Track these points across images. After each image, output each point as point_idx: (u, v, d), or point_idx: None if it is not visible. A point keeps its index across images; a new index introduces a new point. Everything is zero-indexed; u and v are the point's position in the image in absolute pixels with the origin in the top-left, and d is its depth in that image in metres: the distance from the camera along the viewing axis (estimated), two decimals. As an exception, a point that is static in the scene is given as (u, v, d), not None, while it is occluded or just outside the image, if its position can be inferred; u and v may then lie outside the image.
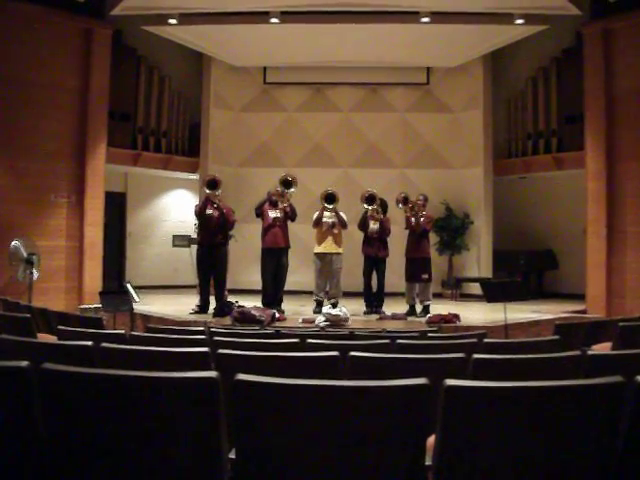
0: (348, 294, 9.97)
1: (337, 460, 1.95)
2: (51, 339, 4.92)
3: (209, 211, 8.93)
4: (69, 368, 2.08)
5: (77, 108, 10.92)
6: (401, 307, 9.42)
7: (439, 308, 9.26)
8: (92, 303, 9.96)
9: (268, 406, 1.96)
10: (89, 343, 3.28)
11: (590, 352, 3.19)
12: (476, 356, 2.95)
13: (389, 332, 5.51)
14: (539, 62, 12.84)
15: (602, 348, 4.82)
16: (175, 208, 14.44)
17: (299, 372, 2.51)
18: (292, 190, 9.08)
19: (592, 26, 10.73)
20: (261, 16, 10.79)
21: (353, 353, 2.98)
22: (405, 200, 9.49)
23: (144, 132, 12.79)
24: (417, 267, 9.28)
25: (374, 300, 9.50)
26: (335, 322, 7.67)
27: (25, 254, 9.70)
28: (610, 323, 5.63)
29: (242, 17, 10.96)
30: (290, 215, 9.16)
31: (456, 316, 8.32)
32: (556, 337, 4.19)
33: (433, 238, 11.61)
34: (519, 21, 10.71)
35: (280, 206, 9.09)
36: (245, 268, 12.45)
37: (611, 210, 10.52)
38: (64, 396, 2.08)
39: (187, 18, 11.07)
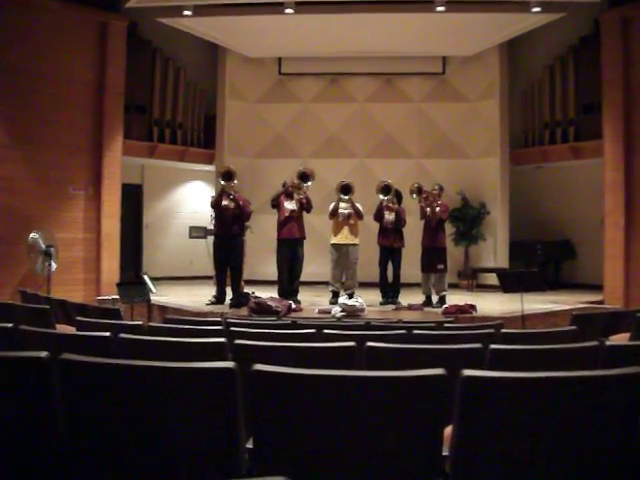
0: (364, 285, 9.96)
1: (354, 450, 1.95)
2: (70, 330, 4.97)
3: (225, 202, 8.94)
4: (88, 358, 2.10)
5: (93, 100, 10.97)
6: (417, 298, 9.40)
7: (455, 298, 9.23)
8: (110, 294, 10.02)
9: (285, 396, 1.97)
10: (107, 334, 3.30)
11: (608, 343, 3.17)
12: (493, 346, 2.94)
13: (405, 322, 5.51)
14: (556, 50, 12.71)
15: (620, 339, 4.79)
16: (191, 200, 14.48)
17: (316, 362, 2.52)
18: (309, 183, 9.07)
19: (610, 13, 10.60)
20: (276, 7, 10.76)
21: (369, 343, 2.98)
22: (419, 190, 9.45)
23: (160, 124, 12.83)
24: (432, 257, 9.25)
25: (390, 291, 9.50)
26: (351, 313, 7.67)
27: (43, 246, 9.79)
28: (628, 314, 5.59)
29: (257, 8, 10.94)
30: (306, 206, 9.14)
31: (472, 307, 8.29)
32: (573, 327, 4.17)
33: (449, 228, 11.57)
34: (536, 9, 10.58)
35: (296, 197, 9.09)
36: (261, 259, 12.48)
37: (629, 200, 10.41)
38: (83, 386, 2.10)
39: (202, 9, 11.06)
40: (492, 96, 13.21)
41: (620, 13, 10.46)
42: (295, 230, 9.06)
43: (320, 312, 8.13)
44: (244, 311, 8.04)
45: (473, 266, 13.04)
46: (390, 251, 9.47)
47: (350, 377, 1.95)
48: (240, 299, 8.60)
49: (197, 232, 14.33)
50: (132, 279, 11.66)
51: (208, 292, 9.55)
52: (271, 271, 10.13)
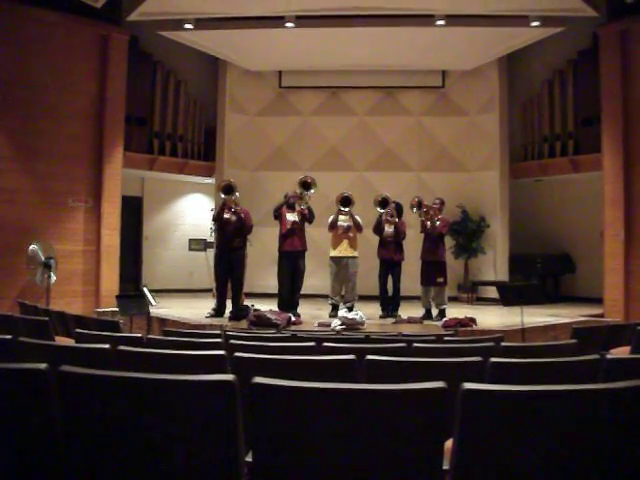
0: (364, 298, 9.94)
1: (354, 463, 1.94)
2: (69, 342, 4.95)
3: (226, 215, 8.95)
4: (87, 370, 2.09)
5: (94, 113, 11.01)
6: (417, 311, 9.39)
7: (455, 312, 9.22)
8: (109, 306, 10.01)
9: (285, 409, 1.96)
10: (106, 346, 3.28)
11: (608, 356, 3.16)
12: (493, 360, 2.93)
13: (405, 336, 5.49)
14: (555, 64, 12.77)
15: (621, 352, 4.78)
16: (191, 212, 14.49)
17: (315, 375, 2.51)
18: (311, 192, 9.04)
19: (608, 27, 10.66)
20: (276, 20, 10.83)
21: (369, 357, 2.97)
22: (419, 204, 9.45)
23: (160, 136, 12.87)
24: (432, 271, 9.24)
25: (390, 304, 9.47)
26: (351, 326, 7.65)
27: (43, 258, 9.78)
28: (628, 327, 5.58)
29: (257, 22, 11.00)
30: (308, 217, 9.11)
31: (472, 320, 8.27)
32: (574, 341, 4.16)
33: (449, 242, 11.57)
34: (535, 23, 10.65)
35: (297, 208, 9.08)
36: (261, 272, 12.47)
37: (629, 213, 10.42)
38: (82, 398, 2.09)
39: (202, 23, 11.13)
40: (491, 110, 13.26)
41: (619, 27, 10.52)
42: (297, 242, 9.04)
43: (320, 325, 8.11)
44: (244, 324, 8.02)
45: (473, 279, 13.03)
46: (390, 264, 9.45)
47: (350, 390, 1.94)
48: (240, 312, 8.59)
49: (197, 245, 14.34)
50: (132, 291, 11.65)
51: (207, 304, 9.54)
52: (271, 284, 10.12)
